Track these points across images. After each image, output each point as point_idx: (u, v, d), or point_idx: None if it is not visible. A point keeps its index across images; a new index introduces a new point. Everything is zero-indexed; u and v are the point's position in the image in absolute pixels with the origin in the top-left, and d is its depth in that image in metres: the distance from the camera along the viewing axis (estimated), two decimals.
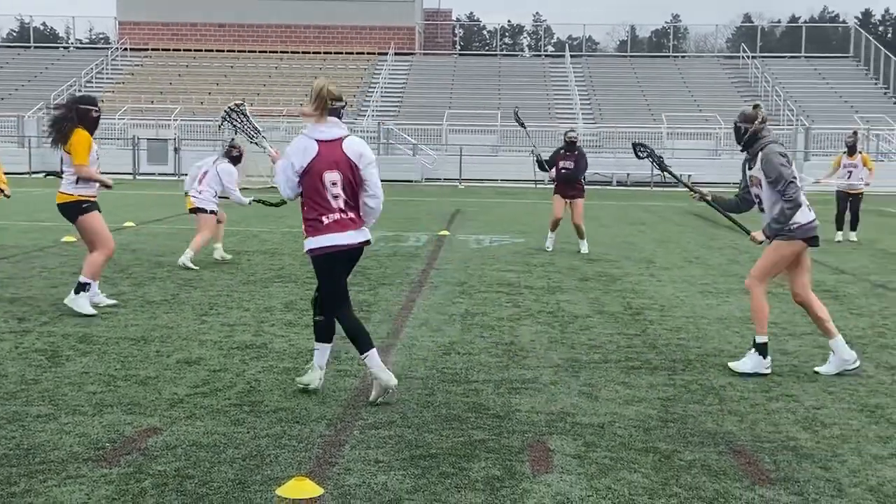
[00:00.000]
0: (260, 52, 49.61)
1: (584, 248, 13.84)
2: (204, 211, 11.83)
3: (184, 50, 49.95)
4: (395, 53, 48.87)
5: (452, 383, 6.38)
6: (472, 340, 7.74)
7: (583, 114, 41.89)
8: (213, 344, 7.44)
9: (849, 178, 16.09)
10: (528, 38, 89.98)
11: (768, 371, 6.75)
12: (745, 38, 54.60)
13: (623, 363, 7.05)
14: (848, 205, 16.17)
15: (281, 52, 49.67)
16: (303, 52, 49.60)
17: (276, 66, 47.93)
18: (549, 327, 8.36)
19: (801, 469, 4.83)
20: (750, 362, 6.77)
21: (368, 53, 49.42)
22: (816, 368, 6.86)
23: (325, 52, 49.56)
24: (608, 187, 34.75)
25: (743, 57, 48.76)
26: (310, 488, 4.35)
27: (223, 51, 49.86)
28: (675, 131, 39.07)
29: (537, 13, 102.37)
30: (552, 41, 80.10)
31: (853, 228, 16.22)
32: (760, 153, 6.74)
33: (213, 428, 5.29)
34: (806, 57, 50.05)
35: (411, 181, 36.38)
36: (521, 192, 31.08)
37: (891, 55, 45.30)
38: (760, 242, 6.89)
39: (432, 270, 11.83)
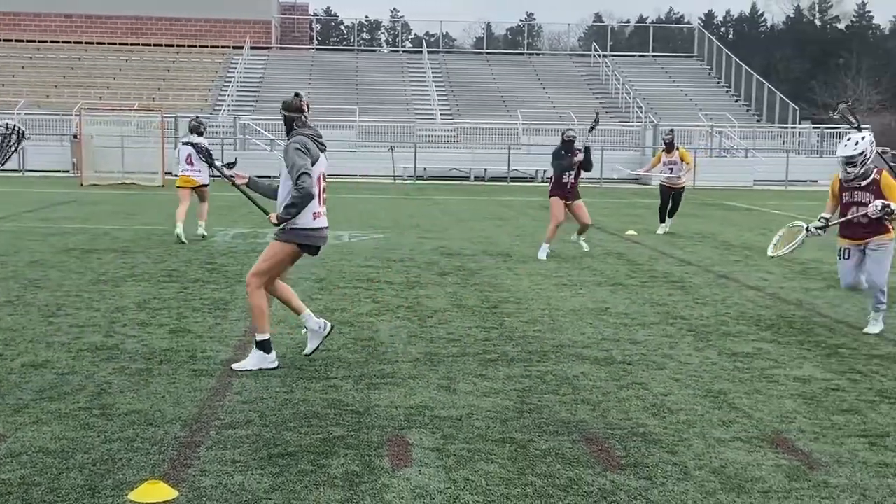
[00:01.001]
0: (109, 44, 47.90)
1: (585, 246, 13.77)
2: (206, 185, 14.13)
3: (27, 41, 47.83)
4: (251, 47, 48.02)
5: (311, 380, 6.34)
6: (331, 337, 7.70)
7: (440, 110, 42.18)
8: (60, 346, 7.18)
9: (670, 173, 17.28)
10: (386, 34, 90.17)
11: (274, 365, 6.61)
12: (597, 38, 56.02)
13: (481, 356, 7.16)
14: (671, 198, 17.40)
15: (132, 44, 48.15)
16: (154, 45, 48.22)
17: (126, 59, 46.42)
18: (408, 322, 8.41)
19: (649, 454, 5.01)
20: (252, 360, 6.61)
21: (223, 47, 48.40)
22: (305, 351, 6.95)
23: (178, 45, 48.27)
24: (466, 182, 35.11)
25: (594, 55, 50.04)
26: (163, 491, 4.27)
27: (70, 42, 47.96)
28: (530, 127, 39.77)
29: (394, 9, 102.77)
30: (410, 37, 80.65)
31: (670, 216, 17.49)
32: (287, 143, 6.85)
33: (60, 433, 5.11)
34: (653, 56, 51.84)
35: (269, 177, 35.85)
36: (381, 188, 31.09)
37: (732, 55, 47.34)
38: (276, 224, 6.83)
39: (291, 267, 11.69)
